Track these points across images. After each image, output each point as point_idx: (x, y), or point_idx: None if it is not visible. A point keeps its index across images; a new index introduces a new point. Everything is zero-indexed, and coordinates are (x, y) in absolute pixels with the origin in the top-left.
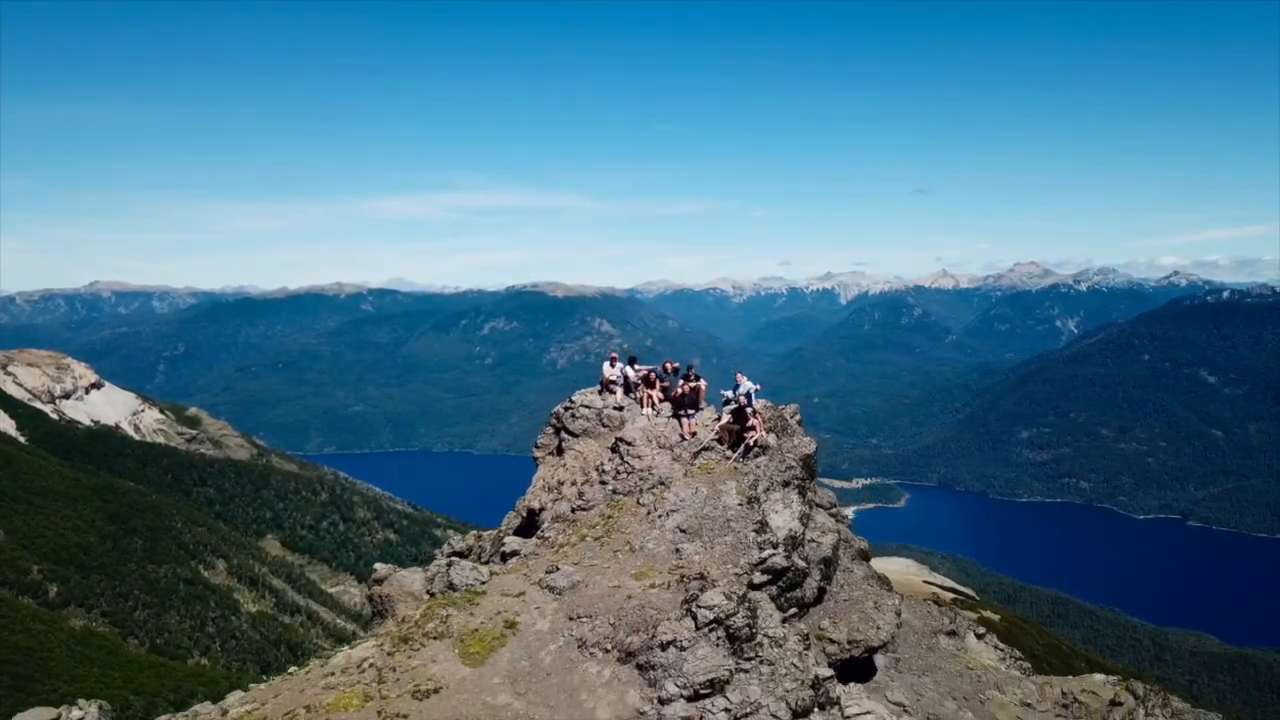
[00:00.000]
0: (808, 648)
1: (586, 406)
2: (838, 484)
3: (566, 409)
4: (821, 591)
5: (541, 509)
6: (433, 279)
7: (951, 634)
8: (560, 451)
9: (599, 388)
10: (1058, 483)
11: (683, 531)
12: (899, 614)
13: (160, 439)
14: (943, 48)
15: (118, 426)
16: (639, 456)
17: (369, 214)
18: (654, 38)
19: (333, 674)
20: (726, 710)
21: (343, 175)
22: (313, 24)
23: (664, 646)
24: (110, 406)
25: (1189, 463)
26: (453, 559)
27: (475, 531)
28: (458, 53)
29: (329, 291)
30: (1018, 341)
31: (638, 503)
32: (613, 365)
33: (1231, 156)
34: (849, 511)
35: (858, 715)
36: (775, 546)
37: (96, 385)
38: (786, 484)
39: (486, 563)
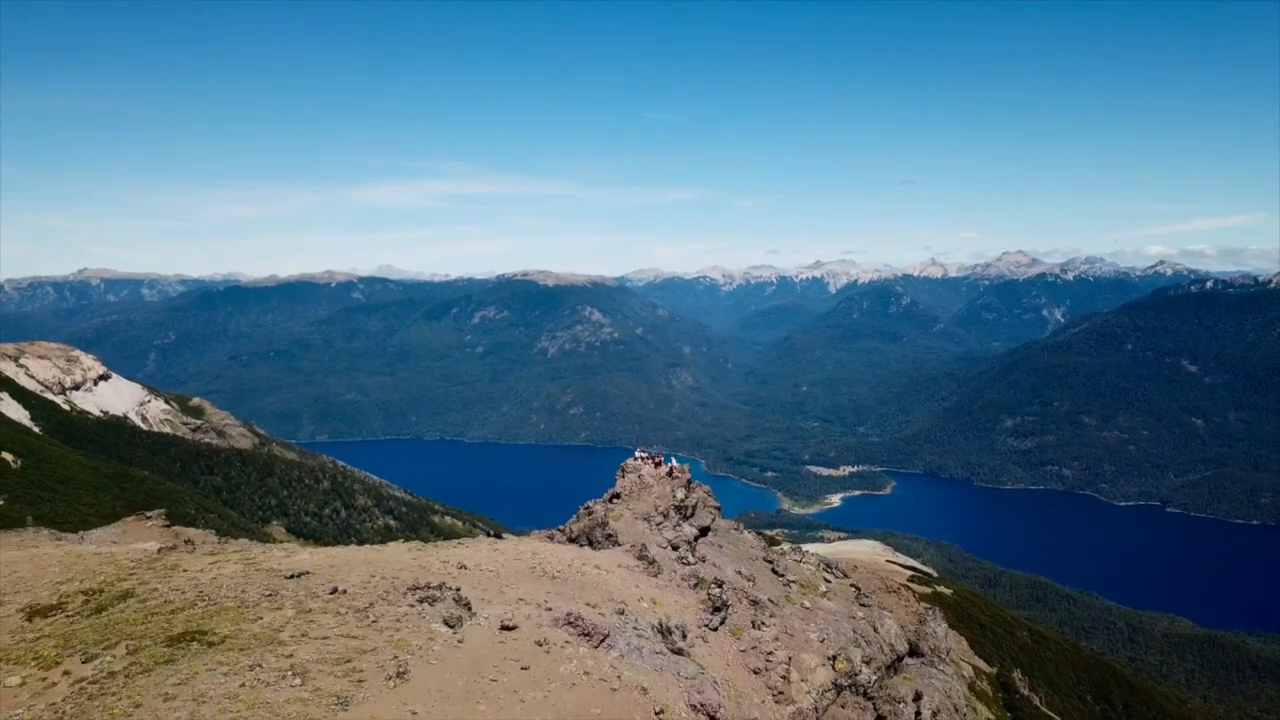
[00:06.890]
0: (682, 518)
1: (633, 464)
2: (825, 471)
3: (624, 464)
4: (694, 514)
5: (618, 493)
6: (421, 267)
7: (738, 529)
8: (624, 476)
9: (634, 457)
10: (1041, 470)
11: (656, 497)
12: (714, 518)
13: (167, 429)
14: (929, 38)
15: (126, 417)
16: (645, 478)
17: (357, 202)
18: (642, 24)
19: None
20: (670, 527)
21: (330, 162)
22: (299, 11)
23: (653, 516)
24: (118, 397)
25: (1169, 451)
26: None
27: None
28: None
29: (319, 279)
30: (1004, 330)
31: (645, 490)
32: (638, 450)
33: (1219, 146)
34: (836, 499)
35: (687, 528)
36: (679, 500)
37: (104, 377)
38: (683, 486)
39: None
